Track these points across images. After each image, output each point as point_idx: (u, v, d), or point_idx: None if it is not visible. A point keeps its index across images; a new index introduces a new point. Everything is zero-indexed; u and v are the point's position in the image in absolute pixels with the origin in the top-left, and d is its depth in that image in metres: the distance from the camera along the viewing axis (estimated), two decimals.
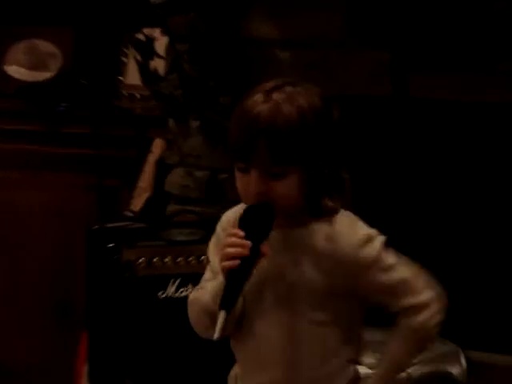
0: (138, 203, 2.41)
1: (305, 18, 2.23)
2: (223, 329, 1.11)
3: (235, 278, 1.14)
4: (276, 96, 1.15)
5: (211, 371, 1.87)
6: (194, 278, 1.55)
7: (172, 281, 2.10)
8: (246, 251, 1.10)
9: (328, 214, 1.20)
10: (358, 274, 1.17)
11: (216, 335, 1.08)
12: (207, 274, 1.28)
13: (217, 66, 2.30)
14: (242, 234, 1.12)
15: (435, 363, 1.98)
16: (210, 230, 1.45)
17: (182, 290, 2.10)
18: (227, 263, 1.11)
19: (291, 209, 1.19)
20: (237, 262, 1.10)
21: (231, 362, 1.31)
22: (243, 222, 1.15)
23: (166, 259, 2.10)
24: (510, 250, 2.29)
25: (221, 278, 1.16)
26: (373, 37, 2.22)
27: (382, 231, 1.20)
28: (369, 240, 1.18)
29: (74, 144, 2.58)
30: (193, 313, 1.26)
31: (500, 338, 2.27)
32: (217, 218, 1.62)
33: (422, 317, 1.17)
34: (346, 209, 1.22)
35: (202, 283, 1.28)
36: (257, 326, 1.22)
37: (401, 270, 1.18)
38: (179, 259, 2.10)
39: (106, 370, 2.19)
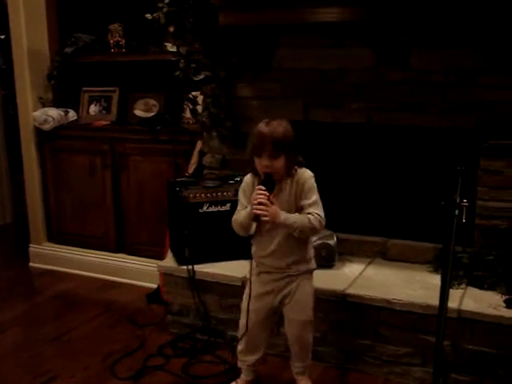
0: (190, 169, 3.54)
1: None
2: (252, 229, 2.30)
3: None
4: (272, 123, 2.27)
5: (242, 247, 2.65)
6: (216, 203, 3.10)
7: (205, 204, 3.15)
8: (266, 197, 2.23)
9: (293, 173, 2.34)
10: (301, 194, 2.32)
11: (252, 231, 2.33)
12: (239, 206, 2.39)
13: (225, 109, 3.34)
14: (264, 188, 2.25)
15: (322, 239, 3.07)
16: (225, 181, 3.12)
17: (210, 208, 3.15)
18: (258, 206, 2.21)
19: (281, 174, 2.31)
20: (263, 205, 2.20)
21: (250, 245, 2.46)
22: (264, 183, 2.28)
23: (202, 194, 3.13)
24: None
25: (249, 209, 2.26)
26: None
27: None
28: (310, 178, 2.34)
29: (163, 143, 3.73)
30: (235, 226, 2.39)
31: (352, 225, 3.35)
32: (227, 177, 3.18)
33: (312, 217, 2.28)
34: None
35: (237, 211, 2.40)
36: (267, 224, 2.35)
37: (315, 197, 2.32)
38: (208, 194, 3.14)
39: (176, 245, 3.25)
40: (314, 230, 2.32)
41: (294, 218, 2.29)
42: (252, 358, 2.59)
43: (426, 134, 3.09)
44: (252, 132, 2.35)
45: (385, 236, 3.26)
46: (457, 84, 2.90)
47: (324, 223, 2.34)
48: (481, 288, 2.82)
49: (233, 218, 2.39)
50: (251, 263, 2.40)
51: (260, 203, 2.19)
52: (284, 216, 2.28)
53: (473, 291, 2.81)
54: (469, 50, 2.84)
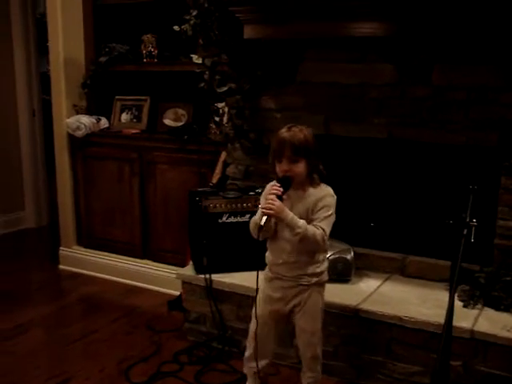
0: (214, 179, 3.62)
1: None
2: (265, 229, 2.21)
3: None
4: (293, 129, 2.29)
5: (260, 258, 2.49)
6: (235, 214, 3.14)
7: (225, 215, 3.19)
8: (279, 192, 2.22)
9: (316, 184, 2.35)
10: (315, 208, 2.30)
11: (261, 223, 2.18)
12: (259, 210, 2.31)
13: (248, 121, 3.41)
14: (278, 185, 2.25)
15: (339, 253, 3.08)
16: (245, 192, 3.13)
17: (229, 219, 3.19)
18: (272, 196, 2.21)
19: (300, 180, 2.29)
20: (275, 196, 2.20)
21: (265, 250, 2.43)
22: (279, 181, 2.27)
23: (223, 205, 3.17)
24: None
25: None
26: None
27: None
28: (328, 196, 2.33)
29: (190, 153, 3.78)
30: (250, 225, 2.35)
31: (371, 240, 3.36)
32: (248, 188, 3.21)
33: (318, 231, 2.27)
34: (322, 181, 2.36)
35: (257, 213, 2.36)
36: (282, 233, 2.35)
37: (328, 212, 2.30)
38: (228, 205, 3.17)
39: (195, 254, 3.29)
40: (314, 244, 2.28)
41: (301, 223, 2.25)
42: (257, 365, 2.53)
43: (448, 151, 3.05)
44: (273, 138, 2.36)
45: (404, 252, 3.22)
46: (479, 101, 2.86)
47: (326, 241, 2.31)
48: (497, 309, 2.77)
49: (251, 219, 2.39)
50: (257, 272, 2.33)
51: (270, 195, 2.21)
52: (291, 215, 2.24)
53: (488, 312, 2.77)
54: (491, 68, 2.80)
